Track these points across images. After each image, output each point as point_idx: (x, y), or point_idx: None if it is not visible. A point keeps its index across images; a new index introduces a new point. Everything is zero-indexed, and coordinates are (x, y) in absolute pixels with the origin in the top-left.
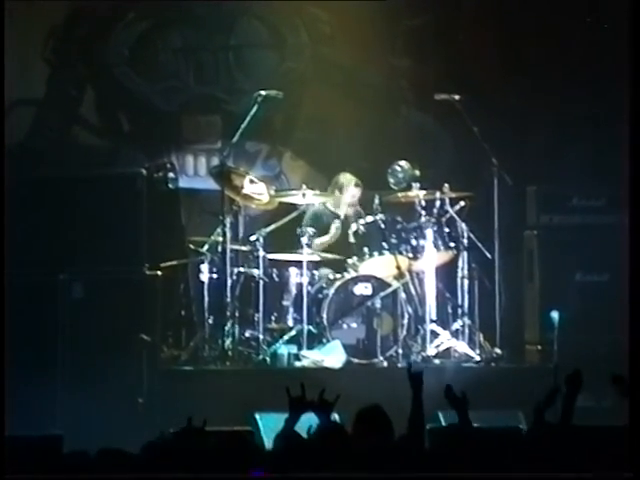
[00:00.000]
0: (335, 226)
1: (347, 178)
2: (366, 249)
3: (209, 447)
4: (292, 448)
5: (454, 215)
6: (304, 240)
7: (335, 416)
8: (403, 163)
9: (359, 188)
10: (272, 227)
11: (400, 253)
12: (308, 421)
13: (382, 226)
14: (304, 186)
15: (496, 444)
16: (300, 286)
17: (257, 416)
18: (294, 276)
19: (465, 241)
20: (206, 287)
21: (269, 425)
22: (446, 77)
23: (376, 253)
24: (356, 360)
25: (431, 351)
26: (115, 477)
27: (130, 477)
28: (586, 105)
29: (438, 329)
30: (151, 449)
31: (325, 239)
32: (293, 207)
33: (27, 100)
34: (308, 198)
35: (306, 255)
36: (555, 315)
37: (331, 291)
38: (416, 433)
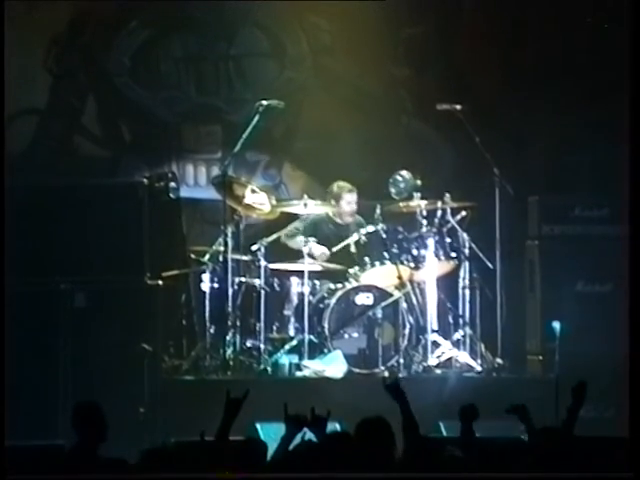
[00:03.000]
0: (353, 239)
1: (340, 186)
2: (367, 259)
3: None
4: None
5: (455, 225)
6: (305, 250)
7: (336, 425)
8: (404, 173)
9: (353, 194)
10: (273, 237)
11: (401, 263)
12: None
13: (383, 236)
14: (305, 196)
15: (498, 454)
16: (301, 296)
17: (258, 426)
18: (295, 286)
19: (466, 251)
20: (207, 297)
21: (270, 435)
22: (447, 87)
23: (377, 263)
24: (357, 370)
25: (432, 361)
26: (115, 477)
27: (130, 477)
28: (588, 115)
29: (439, 339)
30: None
31: (322, 249)
32: (294, 217)
33: (29, 109)
34: (310, 208)
35: (307, 265)
36: (557, 325)
37: (332, 301)
38: (413, 442)
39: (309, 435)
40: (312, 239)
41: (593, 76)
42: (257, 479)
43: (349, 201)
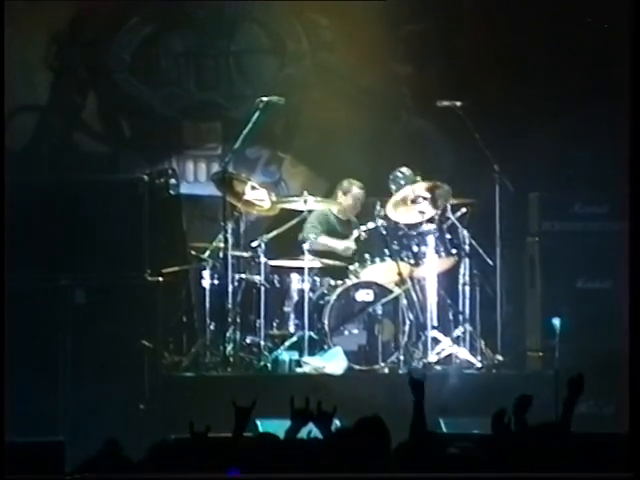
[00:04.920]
0: (354, 236)
1: (351, 181)
2: (367, 255)
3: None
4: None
5: (456, 222)
6: (305, 246)
7: (336, 422)
8: (404, 169)
9: (362, 191)
10: (273, 233)
11: (402, 259)
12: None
13: (383, 232)
14: (305, 192)
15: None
16: (301, 292)
17: (258, 422)
18: (295, 282)
19: (467, 247)
20: (207, 293)
21: (269, 431)
22: (447, 83)
23: (378, 259)
24: (357, 366)
25: (432, 357)
26: (115, 477)
27: (130, 477)
28: (589, 111)
29: (439, 335)
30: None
31: (347, 243)
32: (295, 213)
33: (30, 106)
34: (309, 204)
35: (307, 261)
36: (556, 322)
37: (332, 297)
38: (419, 438)
39: (314, 432)
40: (312, 235)
41: (594, 73)
42: (256, 479)
43: (357, 197)
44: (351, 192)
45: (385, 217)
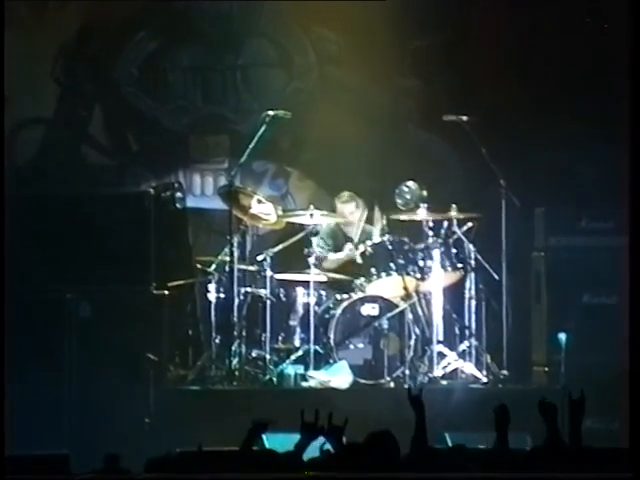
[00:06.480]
0: (348, 247)
1: (338, 197)
2: (373, 270)
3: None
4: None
5: (461, 236)
6: (311, 260)
7: None
8: (411, 184)
9: (349, 204)
10: (279, 247)
11: (407, 274)
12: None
13: (389, 247)
14: (312, 206)
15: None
16: (307, 306)
17: (263, 436)
18: (301, 296)
19: (472, 262)
20: (213, 307)
21: (275, 445)
22: (454, 98)
23: (383, 274)
24: (363, 381)
25: (438, 372)
26: (116, 477)
27: (130, 477)
28: (596, 126)
29: (445, 350)
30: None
31: (339, 256)
32: (300, 227)
33: (37, 119)
34: (315, 218)
35: (313, 275)
36: (562, 337)
37: (338, 311)
38: (420, 453)
39: (326, 445)
40: (319, 249)
41: (602, 87)
42: (256, 479)
43: (350, 211)
44: (338, 209)
45: (391, 232)
